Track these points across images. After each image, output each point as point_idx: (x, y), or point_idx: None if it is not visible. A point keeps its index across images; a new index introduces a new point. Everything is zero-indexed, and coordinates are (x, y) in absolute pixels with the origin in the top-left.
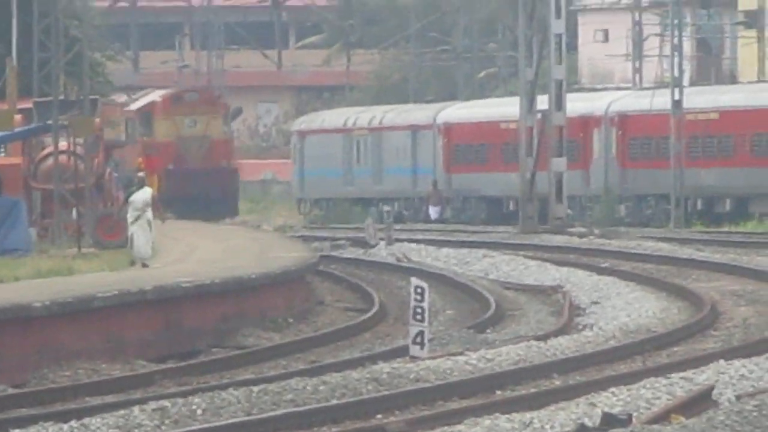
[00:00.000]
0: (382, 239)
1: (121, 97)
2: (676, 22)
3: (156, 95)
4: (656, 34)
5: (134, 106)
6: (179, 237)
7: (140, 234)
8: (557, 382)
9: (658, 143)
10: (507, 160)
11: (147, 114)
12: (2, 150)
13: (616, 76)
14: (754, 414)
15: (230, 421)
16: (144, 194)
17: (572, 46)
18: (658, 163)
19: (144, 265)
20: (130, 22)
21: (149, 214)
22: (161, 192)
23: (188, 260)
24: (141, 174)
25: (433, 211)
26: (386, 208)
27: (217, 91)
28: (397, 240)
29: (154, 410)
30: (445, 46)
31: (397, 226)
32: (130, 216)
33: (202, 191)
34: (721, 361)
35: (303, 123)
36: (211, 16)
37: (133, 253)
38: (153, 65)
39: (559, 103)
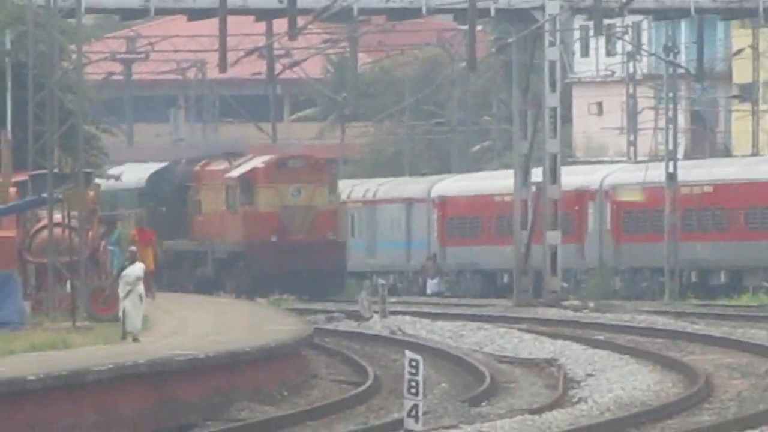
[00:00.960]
0: (376, 312)
1: (222, 163)
2: (670, 95)
3: (258, 161)
4: (651, 107)
5: (235, 173)
6: (172, 310)
7: (131, 308)
8: None
9: (652, 216)
10: (501, 233)
11: (248, 181)
12: None
13: (611, 149)
14: None
15: None
16: (135, 269)
17: (567, 119)
18: (652, 236)
19: (135, 340)
20: (124, 95)
21: (140, 288)
22: (157, 264)
23: (182, 334)
24: (133, 248)
25: (431, 284)
26: (381, 280)
27: (322, 158)
28: (392, 313)
29: None
30: (440, 119)
31: (392, 299)
32: (122, 290)
33: (306, 266)
34: None
35: None
36: (205, 89)
37: (124, 327)
38: (147, 138)
39: (553, 177)
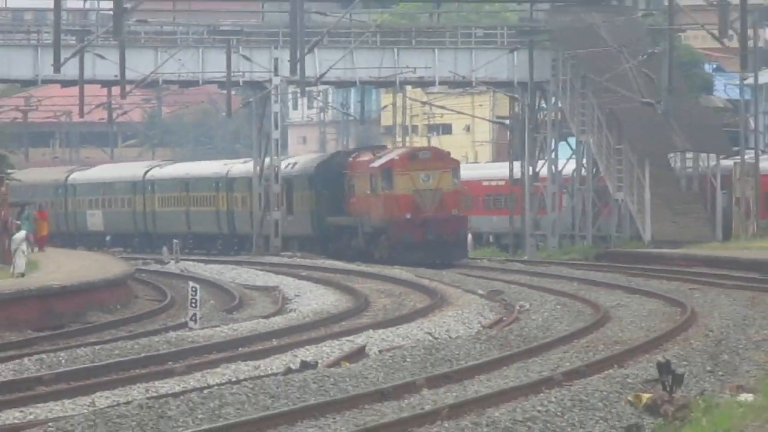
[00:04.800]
0: (173, 259)
1: (368, 155)
2: None
3: (395, 154)
4: None
5: (377, 164)
6: (53, 258)
7: (17, 259)
8: (275, 342)
9: None
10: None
11: (387, 170)
12: None
13: None
14: (389, 361)
15: (81, 366)
16: (18, 236)
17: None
18: None
19: (21, 276)
20: None
21: (24, 246)
22: (49, 231)
23: (58, 272)
24: (18, 221)
25: None
26: (175, 240)
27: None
28: (183, 260)
29: (36, 359)
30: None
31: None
32: (12, 248)
33: (436, 237)
34: (371, 330)
35: None
36: None
37: (13, 270)
38: None
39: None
